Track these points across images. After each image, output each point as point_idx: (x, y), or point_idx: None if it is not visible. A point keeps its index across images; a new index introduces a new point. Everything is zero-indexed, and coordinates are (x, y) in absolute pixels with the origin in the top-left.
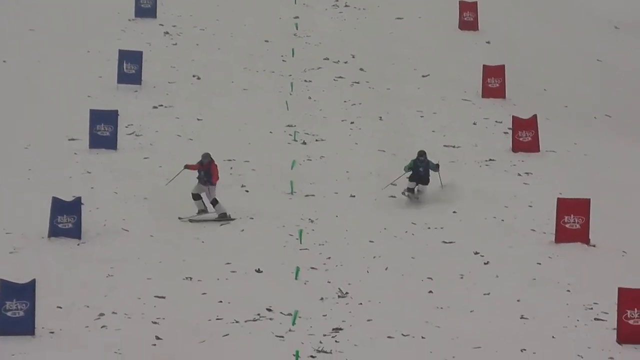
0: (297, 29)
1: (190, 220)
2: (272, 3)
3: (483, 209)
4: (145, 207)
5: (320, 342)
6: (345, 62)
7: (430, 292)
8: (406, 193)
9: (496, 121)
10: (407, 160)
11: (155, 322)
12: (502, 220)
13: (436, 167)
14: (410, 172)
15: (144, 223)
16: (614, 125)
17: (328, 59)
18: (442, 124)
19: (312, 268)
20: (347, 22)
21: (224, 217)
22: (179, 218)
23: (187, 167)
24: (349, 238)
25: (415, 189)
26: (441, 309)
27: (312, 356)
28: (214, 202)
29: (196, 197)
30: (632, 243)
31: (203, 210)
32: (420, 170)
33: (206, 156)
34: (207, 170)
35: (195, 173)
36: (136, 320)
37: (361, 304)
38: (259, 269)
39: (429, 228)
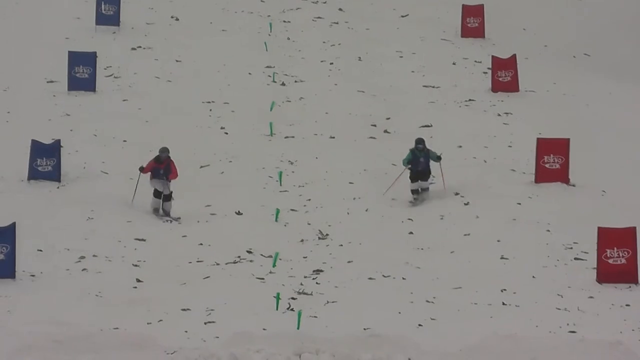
0: None
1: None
2: None
3: (463, 150)
4: (125, 149)
5: (301, 284)
6: (324, 2)
7: (411, 233)
8: (412, 199)
9: (475, 61)
10: (386, 100)
11: (135, 265)
12: (482, 160)
13: (438, 159)
14: (410, 166)
15: (123, 165)
16: (593, 64)
17: None
18: (421, 64)
19: (292, 210)
20: None
21: (168, 216)
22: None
23: (143, 170)
24: (328, 180)
25: (419, 188)
26: (421, 249)
27: (292, 298)
28: (167, 198)
29: (157, 194)
30: (611, 182)
31: (157, 210)
32: (421, 160)
33: (164, 151)
34: (166, 168)
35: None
36: (117, 263)
37: (341, 245)
38: (238, 211)
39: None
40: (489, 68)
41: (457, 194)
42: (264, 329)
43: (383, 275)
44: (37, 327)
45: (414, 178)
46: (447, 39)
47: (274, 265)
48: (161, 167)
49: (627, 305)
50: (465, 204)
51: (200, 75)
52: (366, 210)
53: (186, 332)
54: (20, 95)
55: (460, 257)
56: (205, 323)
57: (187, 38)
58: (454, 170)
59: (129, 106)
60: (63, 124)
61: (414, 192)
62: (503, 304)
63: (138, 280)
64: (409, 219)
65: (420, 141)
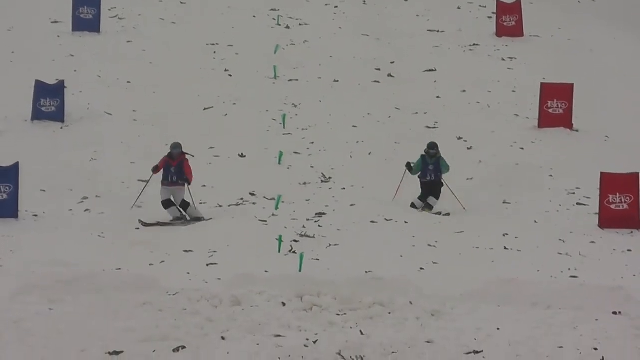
0: None
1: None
2: None
3: (467, 94)
4: (129, 90)
5: (303, 227)
6: None
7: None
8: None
9: (480, 5)
10: (391, 44)
11: (139, 206)
12: (486, 105)
13: (447, 169)
14: (419, 174)
15: (127, 107)
16: (597, 10)
17: None
18: (426, 7)
19: (296, 153)
20: None
21: (198, 220)
22: (143, 223)
23: (155, 170)
24: (332, 123)
25: (421, 209)
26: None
27: (295, 241)
28: (185, 205)
29: (168, 203)
30: (614, 128)
31: (179, 218)
32: (430, 168)
33: (177, 146)
34: (178, 166)
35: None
36: (119, 204)
37: (344, 188)
38: (242, 154)
39: (415, 113)
40: (493, 12)
41: (460, 138)
42: (265, 271)
43: (385, 219)
44: (39, 266)
45: (424, 193)
46: None
47: (276, 208)
48: (173, 164)
49: (628, 250)
50: (468, 149)
51: (204, 18)
52: (369, 154)
53: (188, 273)
54: (24, 35)
55: (462, 201)
56: (207, 265)
57: None
58: (458, 114)
59: (133, 48)
60: (67, 65)
61: (418, 205)
62: (505, 248)
63: (141, 222)
64: (412, 163)
65: (432, 146)
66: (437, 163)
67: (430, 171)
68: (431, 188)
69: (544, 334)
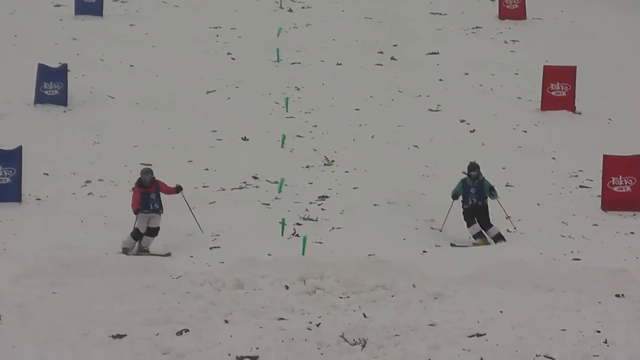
0: None
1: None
2: None
3: (469, 77)
4: (132, 74)
5: (306, 210)
6: None
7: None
8: (475, 241)
9: None
10: (393, 27)
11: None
12: (489, 88)
13: (493, 193)
14: (460, 199)
15: (130, 90)
16: None
17: None
18: None
19: (298, 136)
20: None
21: (145, 252)
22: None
23: (135, 209)
24: (335, 106)
25: (485, 235)
26: (427, 177)
27: (298, 224)
28: (153, 232)
29: (137, 235)
30: (617, 110)
31: (127, 250)
32: (472, 191)
33: (147, 172)
34: (156, 192)
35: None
36: (123, 188)
37: (347, 172)
38: (245, 137)
39: (418, 96)
40: None
41: (462, 121)
42: (268, 255)
43: (388, 202)
44: (42, 250)
45: (469, 218)
46: None
47: (279, 191)
48: (150, 191)
49: (631, 232)
50: (471, 132)
51: (207, 1)
52: (372, 137)
53: (191, 257)
54: (27, 18)
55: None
56: (210, 248)
57: None
58: (460, 97)
59: (136, 31)
60: (70, 48)
61: (476, 236)
62: (508, 231)
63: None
64: (415, 146)
65: (473, 167)
66: (480, 186)
67: (471, 195)
68: (477, 213)
69: (547, 317)
